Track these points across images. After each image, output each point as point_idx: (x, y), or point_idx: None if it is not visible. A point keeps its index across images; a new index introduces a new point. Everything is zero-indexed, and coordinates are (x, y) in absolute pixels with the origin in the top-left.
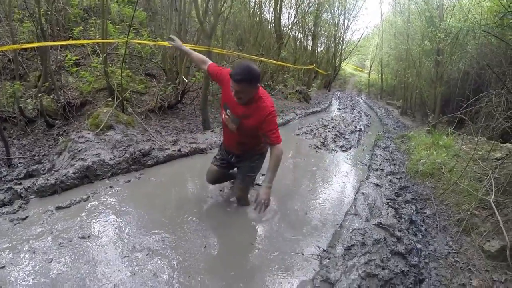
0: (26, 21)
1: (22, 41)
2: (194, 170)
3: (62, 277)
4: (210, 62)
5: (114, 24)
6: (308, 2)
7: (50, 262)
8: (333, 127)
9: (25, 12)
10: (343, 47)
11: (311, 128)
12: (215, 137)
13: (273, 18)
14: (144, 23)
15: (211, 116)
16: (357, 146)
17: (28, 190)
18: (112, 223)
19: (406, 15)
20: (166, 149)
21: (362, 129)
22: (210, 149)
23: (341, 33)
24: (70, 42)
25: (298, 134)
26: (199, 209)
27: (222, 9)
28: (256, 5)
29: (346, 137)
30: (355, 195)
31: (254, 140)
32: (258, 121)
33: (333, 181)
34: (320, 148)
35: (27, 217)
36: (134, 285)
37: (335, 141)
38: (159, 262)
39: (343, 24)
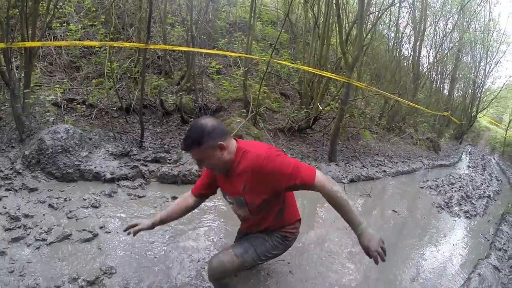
0: (177, 26)
1: (172, 43)
2: (312, 199)
3: (158, 261)
4: (187, 193)
5: (257, 41)
6: (449, 41)
7: (152, 243)
8: (460, 187)
9: (176, 18)
10: (482, 95)
11: (437, 183)
12: (338, 171)
13: (411, 56)
14: (284, 44)
15: (338, 149)
16: (482, 215)
17: (152, 173)
18: (222, 228)
19: None
20: None
21: (491, 195)
22: None
23: (481, 79)
24: (217, 51)
25: (423, 187)
26: None
27: (366, 40)
28: (396, 40)
29: (473, 202)
30: (470, 274)
31: (273, 208)
32: (258, 179)
33: (449, 250)
34: (443, 209)
35: (144, 196)
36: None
37: (460, 204)
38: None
39: (484, 69)
